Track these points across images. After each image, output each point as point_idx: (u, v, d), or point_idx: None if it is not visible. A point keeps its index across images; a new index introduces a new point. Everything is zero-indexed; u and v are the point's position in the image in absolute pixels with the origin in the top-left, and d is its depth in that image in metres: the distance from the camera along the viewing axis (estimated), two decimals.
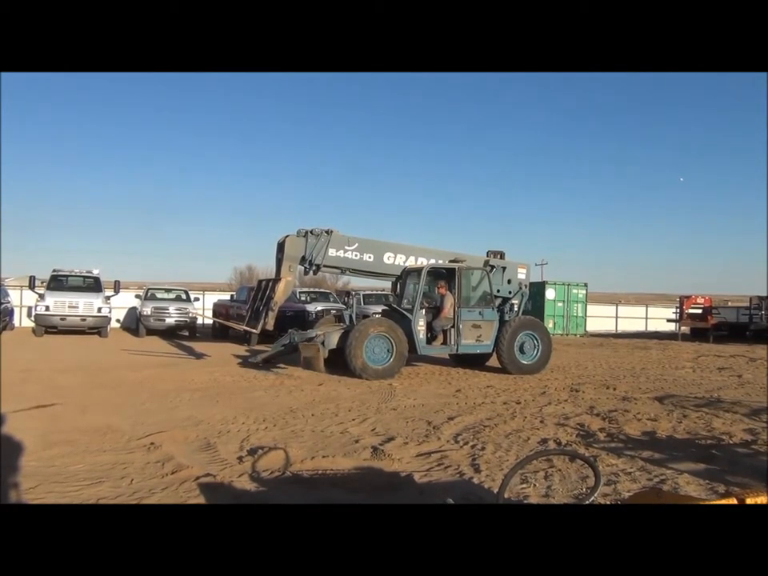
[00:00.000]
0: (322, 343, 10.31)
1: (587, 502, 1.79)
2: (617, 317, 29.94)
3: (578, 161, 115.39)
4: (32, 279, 18.29)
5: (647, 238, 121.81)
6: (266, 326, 10.66)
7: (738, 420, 6.94)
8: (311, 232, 10.82)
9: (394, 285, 12.29)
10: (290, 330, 11.53)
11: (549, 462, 4.84)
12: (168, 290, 20.69)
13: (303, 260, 10.92)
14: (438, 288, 11.20)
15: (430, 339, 10.93)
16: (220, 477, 4.45)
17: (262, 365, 11.20)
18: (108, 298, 18.38)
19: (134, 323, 20.79)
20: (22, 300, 21.83)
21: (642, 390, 9.40)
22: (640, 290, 72.13)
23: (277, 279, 10.88)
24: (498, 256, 12.23)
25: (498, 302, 11.66)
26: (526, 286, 12.37)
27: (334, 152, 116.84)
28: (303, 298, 19.37)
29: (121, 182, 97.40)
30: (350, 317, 11.38)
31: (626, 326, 29.45)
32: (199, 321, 20.09)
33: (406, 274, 11.55)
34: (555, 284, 24.56)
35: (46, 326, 17.60)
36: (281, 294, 10.67)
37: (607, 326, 28.86)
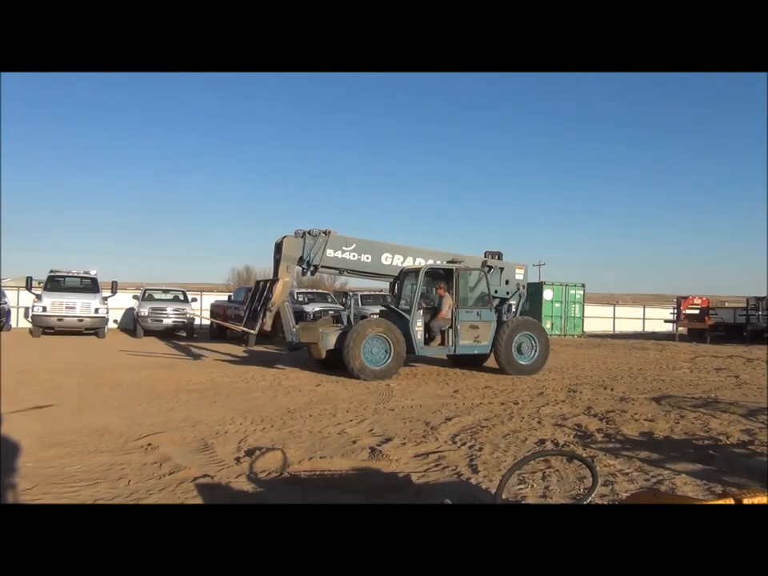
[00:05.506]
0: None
1: (585, 503, 1.79)
2: (614, 317, 29.94)
3: (576, 161, 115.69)
4: (29, 280, 18.23)
5: (645, 238, 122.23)
6: (263, 326, 10.65)
7: (735, 420, 6.95)
8: (309, 233, 10.81)
9: (392, 285, 12.28)
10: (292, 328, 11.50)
11: (546, 462, 4.84)
12: (165, 291, 20.65)
13: (301, 261, 10.92)
14: (436, 289, 11.19)
15: (428, 340, 10.92)
16: (217, 478, 4.44)
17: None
18: (105, 298, 18.32)
19: (131, 324, 20.74)
20: (18, 301, 21.74)
21: (639, 390, 9.41)
22: (637, 290, 72.33)
23: (274, 280, 10.86)
24: (496, 257, 12.24)
25: (495, 302, 11.67)
26: (523, 287, 12.38)
27: (332, 153, 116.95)
28: (301, 299, 19.38)
29: (119, 183, 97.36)
30: (348, 317, 11.37)
31: (623, 327, 29.46)
32: (197, 321, 20.06)
33: (404, 275, 11.55)
34: (553, 284, 24.57)
35: (43, 327, 17.55)
36: (278, 294, 10.66)
37: (605, 326, 28.88)
